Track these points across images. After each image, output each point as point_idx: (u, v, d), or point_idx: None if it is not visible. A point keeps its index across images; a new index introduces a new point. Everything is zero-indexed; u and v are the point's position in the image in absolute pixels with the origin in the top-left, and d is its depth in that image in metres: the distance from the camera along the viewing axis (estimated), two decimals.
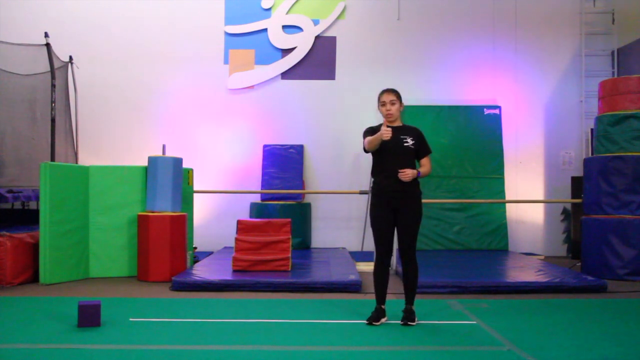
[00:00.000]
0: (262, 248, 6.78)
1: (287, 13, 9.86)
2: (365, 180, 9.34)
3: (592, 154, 8.72)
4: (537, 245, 9.71)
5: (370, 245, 8.25)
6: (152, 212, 6.82)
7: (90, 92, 9.39)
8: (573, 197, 8.97)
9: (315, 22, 9.85)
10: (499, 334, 4.27)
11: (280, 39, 9.84)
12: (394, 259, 6.80)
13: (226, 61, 9.88)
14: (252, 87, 9.86)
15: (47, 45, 7.69)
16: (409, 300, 4.64)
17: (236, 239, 6.87)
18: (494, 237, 9.20)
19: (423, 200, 4.69)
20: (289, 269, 6.74)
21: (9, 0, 9.58)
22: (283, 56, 9.84)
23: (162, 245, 6.66)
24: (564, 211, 9.68)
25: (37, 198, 6.88)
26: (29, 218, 7.96)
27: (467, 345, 4.02)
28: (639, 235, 6.99)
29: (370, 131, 4.59)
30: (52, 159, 7.51)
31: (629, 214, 7.10)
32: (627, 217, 7.09)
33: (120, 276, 7.03)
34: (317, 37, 9.84)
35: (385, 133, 4.32)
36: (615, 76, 9.48)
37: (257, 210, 9.11)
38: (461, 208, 9.30)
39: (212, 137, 9.79)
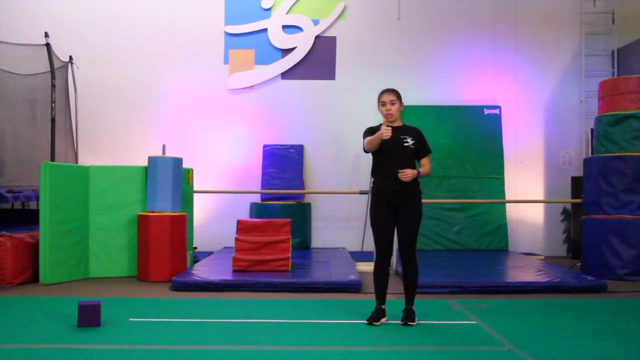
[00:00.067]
0: (262, 248, 6.78)
1: (287, 13, 9.86)
2: (365, 180, 9.34)
3: (592, 154, 8.72)
4: (537, 245, 9.71)
5: (370, 245, 8.25)
6: (152, 212, 6.82)
7: (90, 92, 9.39)
8: (573, 197, 8.97)
9: (315, 22, 9.85)
10: (499, 334, 4.27)
11: (280, 39, 9.84)
12: (394, 259, 6.79)
13: (226, 61, 9.88)
14: (252, 87, 9.86)
15: (47, 45, 7.69)
16: (409, 300, 4.64)
17: (236, 239, 6.87)
18: (494, 237, 9.20)
19: (423, 200, 4.69)
20: (289, 269, 6.74)
21: (9, 0, 9.59)
22: (283, 56, 9.84)
23: (162, 245, 6.67)
24: (564, 211, 9.68)
25: (37, 198, 6.88)
26: (29, 218, 7.96)
27: (467, 345, 4.02)
28: (639, 235, 6.99)
29: (370, 131, 4.59)
30: (52, 159, 7.50)
31: (629, 214, 7.10)
32: (627, 217, 7.09)
33: (120, 276, 7.03)
34: (317, 37, 9.84)
35: (385, 132, 4.31)
36: (615, 76, 9.48)
37: (257, 210, 9.11)
38: (461, 208, 9.30)
39: (212, 137, 9.79)
